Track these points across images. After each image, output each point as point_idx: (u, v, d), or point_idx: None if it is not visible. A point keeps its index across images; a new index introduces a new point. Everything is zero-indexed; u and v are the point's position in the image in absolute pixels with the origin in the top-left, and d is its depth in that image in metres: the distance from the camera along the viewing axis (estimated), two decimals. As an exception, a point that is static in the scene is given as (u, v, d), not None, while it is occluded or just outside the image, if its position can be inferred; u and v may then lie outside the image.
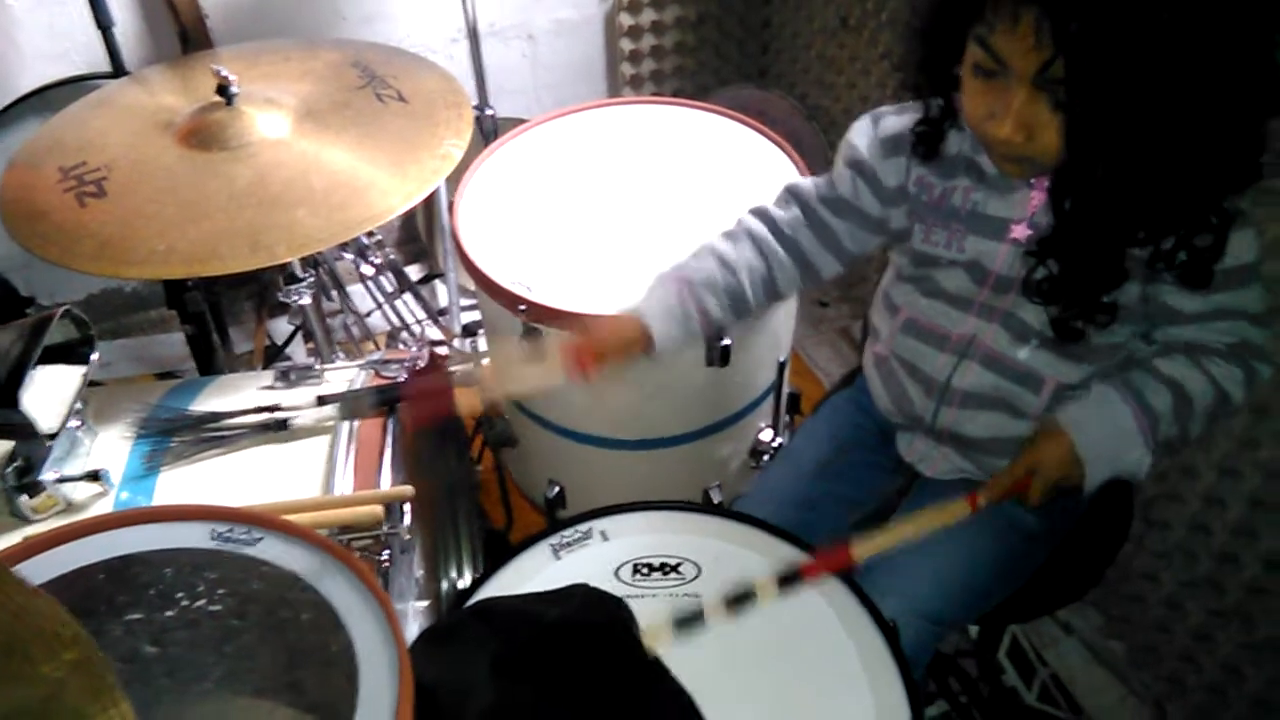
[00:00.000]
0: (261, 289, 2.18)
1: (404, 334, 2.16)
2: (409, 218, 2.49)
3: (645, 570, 1.01)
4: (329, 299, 2.13)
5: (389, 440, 1.17)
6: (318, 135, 1.36)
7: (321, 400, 1.20)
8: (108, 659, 0.59)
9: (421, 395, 0.95)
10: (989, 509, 0.99)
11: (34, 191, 1.29)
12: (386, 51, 1.59)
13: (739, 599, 0.93)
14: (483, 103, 2.09)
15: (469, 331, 2.17)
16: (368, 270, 2.01)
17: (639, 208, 1.50)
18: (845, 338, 2.29)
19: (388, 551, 1.05)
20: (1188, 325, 0.97)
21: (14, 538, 0.97)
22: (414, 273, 2.44)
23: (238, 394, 1.25)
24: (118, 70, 1.84)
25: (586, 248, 1.44)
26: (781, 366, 1.56)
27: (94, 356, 1.14)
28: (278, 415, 1.18)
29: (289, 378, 1.26)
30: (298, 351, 2.16)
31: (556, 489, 1.61)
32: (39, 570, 0.85)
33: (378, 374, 1.28)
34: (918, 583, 1.07)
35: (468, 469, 1.56)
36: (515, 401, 1.57)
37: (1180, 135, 0.82)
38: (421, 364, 1.30)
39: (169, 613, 0.82)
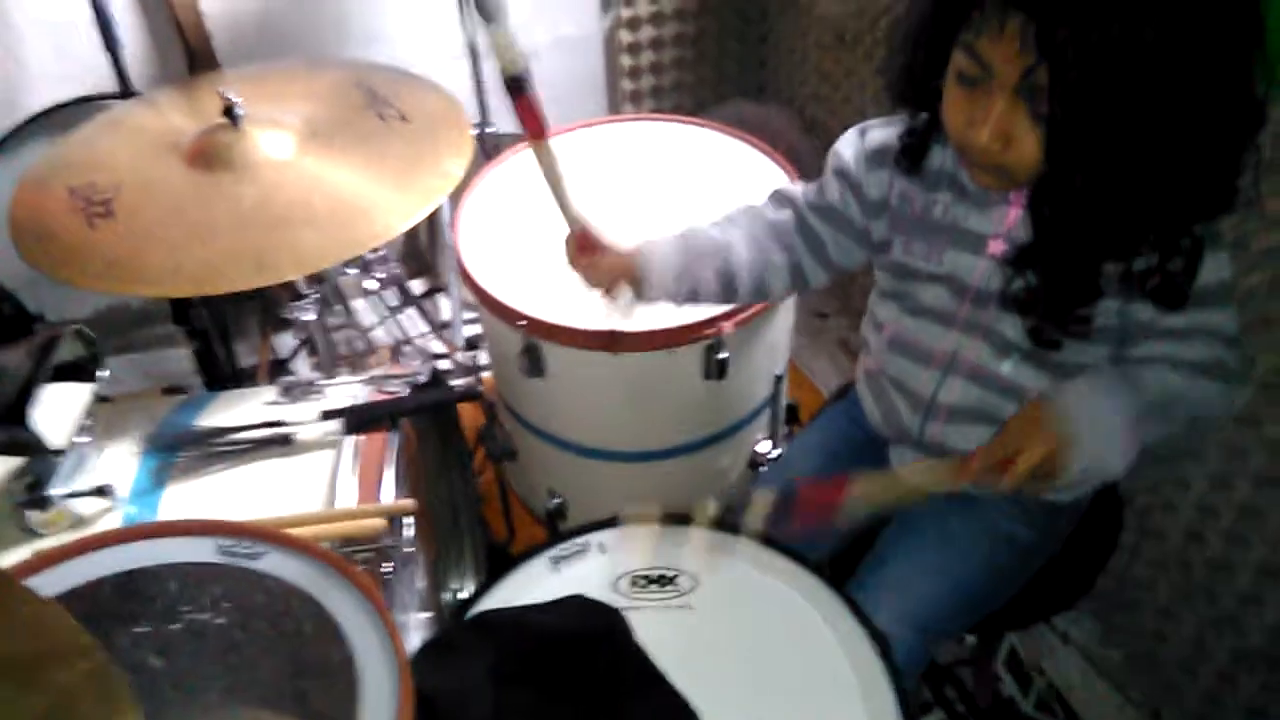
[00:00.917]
0: (266, 305, 2.21)
1: (407, 347, 2.19)
2: (412, 232, 2.52)
3: (643, 582, 1.02)
4: (333, 314, 2.16)
5: (391, 454, 1.19)
6: (321, 155, 1.39)
7: (325, 415, 1.22)
8: (121, 669, 0.61)
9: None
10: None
11: (43, 212, 1.31)
12: (389, 71, 1.62)
13: (728, 512, 0.97)
14: (484, 120, 2.12)
15: (472, 345, 2.20)
16: (371, 285, 2.04)
17: (639, 223, 1.52)
18: (844, 349, 2.31)
19: (390, 564, 1.07)
20: (1162, 341, 0.97)
21: (24, 552, 0.99)
22: (417, 287, 2.46)
23: (242, 409, 1.27)
24: (125, 91, 1.87)
25: (585, 264, 1.46)
26: (778, 379, 1.58)
27: (102, 374, 1.16)
28: (282, 430, 1.20)
29: (292, 393, 1.28)
30: (302, 366, 2.18)
31: (557, 501, 1.62)
32: (48, 584, 0.87)
33: (380, 389, 1.30)
34: (910, 595, 1.09)
35: (469, 482, 1.58)
36: (515, 413, 1.59)
37: (1158, 151, 0.83)
38: (423, 379, 1.32)
39: (175, 625, 0.84)
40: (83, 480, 1.12)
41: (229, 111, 1.36)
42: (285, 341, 2.30)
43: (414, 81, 1.59)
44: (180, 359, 2.16)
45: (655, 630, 0.94)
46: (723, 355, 1.36)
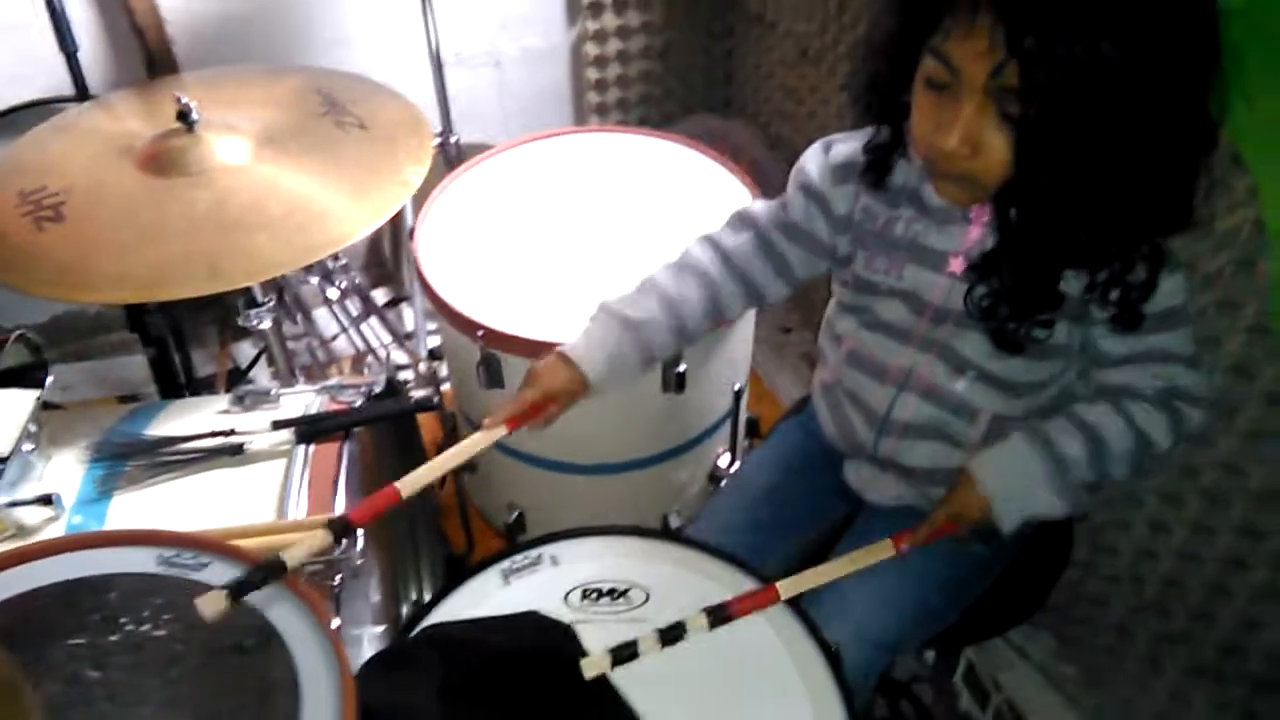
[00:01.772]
0: (224, 313, 2.18)
1: (369, 358, 2.17)
2: (375, 241, 2.51)
3: (595, 595, 1.02)
4: (293, 322, 2.13)
5: (344, 465, 1.17)
6: (277, 161, 1.38)
7: (276, 425, 1.20)
8: (43, 680, 0.59)
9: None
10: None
11: (-8, 215, 1.29)
12: (349, 79, 1.61)
13: (672, 631, 0.95)
14: (447, 129, 2.11)
15: (435, 355, 2.19)
16: (333, 294, 2.02)
17: (600, 235, 1.52)
18: (807, 363, 2.32)
19: (339, 576, 1.05)
20: (1119, 368, 0.99)
21: (-38, 562, 0.97)
22: (381, 296, 2.45)
23: (194, 418, 1.25)
24: (82, 94, 1.85)
25: (547, 274, 1.46)
26: (738, 393, 1.58)
27: (48, 380, 1.14)
28: (233, 440, 1.19)
29: (245, 402, 1.27)
30: (262, 375, 2.16)
31: (516, 513, 1.62)
32: (-16, 594, 0.85)
33: (333, 399, 1.28)
34: (862, 607, 1.09)
35: (427, 494, 1.57)
36: (474, 425, 1.57)
37: (1118, 161, 0.84)
38: (379, 389, 1.31)
39: (113, 637, 0.82)
40: (27, 489, 1.10)
41: (183, 116, 1.34)
42: (245, 351, 2.27)
43: (374, 89, 1.58)
44: (137, 366, 2.13)
45: (607, 643, 0.94)
46: (681, 368, 1.36)
